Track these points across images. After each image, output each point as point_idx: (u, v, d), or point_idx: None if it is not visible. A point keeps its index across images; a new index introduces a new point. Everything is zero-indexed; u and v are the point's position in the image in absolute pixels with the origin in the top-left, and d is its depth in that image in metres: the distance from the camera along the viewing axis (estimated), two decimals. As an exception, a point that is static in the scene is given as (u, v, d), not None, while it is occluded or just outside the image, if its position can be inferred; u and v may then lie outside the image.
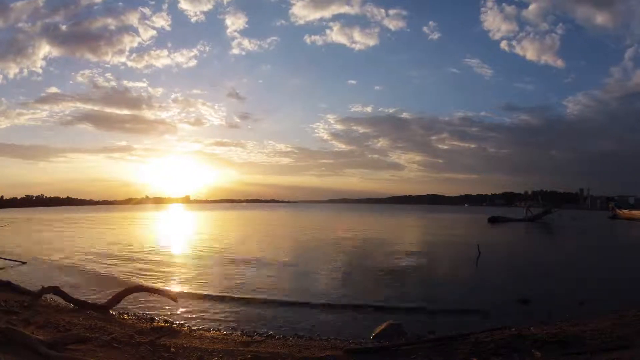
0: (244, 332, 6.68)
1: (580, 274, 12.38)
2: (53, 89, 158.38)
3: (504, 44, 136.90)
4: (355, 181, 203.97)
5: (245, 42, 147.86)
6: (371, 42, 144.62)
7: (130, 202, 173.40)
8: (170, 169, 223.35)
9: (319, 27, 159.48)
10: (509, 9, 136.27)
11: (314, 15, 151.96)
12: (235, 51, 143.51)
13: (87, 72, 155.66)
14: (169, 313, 7.70)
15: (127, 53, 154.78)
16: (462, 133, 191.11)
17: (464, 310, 8.15)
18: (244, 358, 5.14)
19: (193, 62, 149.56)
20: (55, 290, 7.85)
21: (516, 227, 35.58)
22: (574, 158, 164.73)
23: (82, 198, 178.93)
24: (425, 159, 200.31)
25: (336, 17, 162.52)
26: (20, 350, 4.46)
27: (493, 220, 40.46)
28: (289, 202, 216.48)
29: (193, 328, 6.74)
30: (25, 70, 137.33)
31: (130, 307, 7.93)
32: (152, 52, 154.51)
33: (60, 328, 5.92)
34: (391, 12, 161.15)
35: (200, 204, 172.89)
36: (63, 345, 4.86)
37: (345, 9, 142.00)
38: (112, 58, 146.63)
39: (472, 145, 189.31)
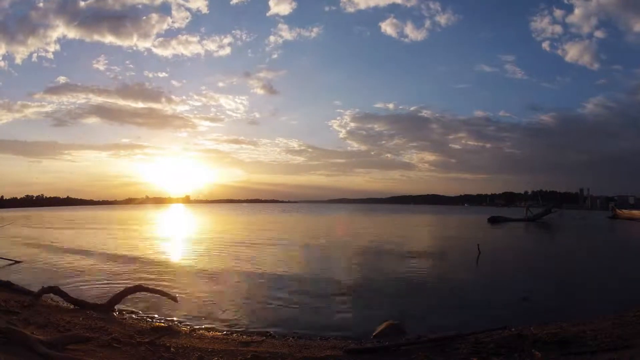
0: (244, 332, 6.68)
1: (581, 274, 12.38)
2: (65, 78, 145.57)
3: (546, 45, 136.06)
4: (360, 181, 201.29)
5: (285, 29, 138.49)
6: (420, 37, 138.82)
7: (131, 203, 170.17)
8: (178, 167, 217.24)
9: (372, 16, 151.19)
10: (558, 12, 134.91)
11: (367, 3, 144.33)
12: (273, 39, 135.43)
13: (103, 59, 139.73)
14: (169, 313, 7.70)
15: (153, 37, 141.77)
16: (479, 133, 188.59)
17: (464, 309, 8.15)
18: (244, 358, 5.14)
19: (225, 51, 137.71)
20: (55, 290, 7.86)
21: (516, 227, 35.57)
22: (587, 159, 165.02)
23: (82, 198, 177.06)
24: (438, 159, 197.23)
25: (391, 8, 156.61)
26: (20, 350, 4.46)
27: (493, 220, 40.47)
28: (289, 202, 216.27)
29: (193, 328, 6.74)
30: (35, 56, 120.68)
31: (130, 307, 7.93)
32: (181, 37, 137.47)
33: (60, 328, 5.92)
34: (447, 7, 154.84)
35: (200, 204, 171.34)
36: (63, 345, 4.86)
37: (401, 0, 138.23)
38: (136, 42, 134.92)
39: (488, 145, 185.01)
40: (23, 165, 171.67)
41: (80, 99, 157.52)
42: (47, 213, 69.04)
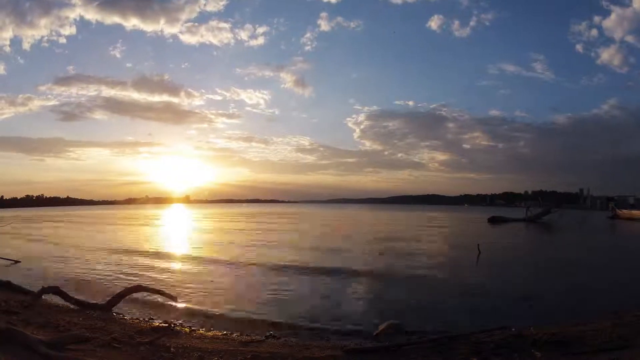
0: (244, 332, 6.67)
1: (580, 274, 12.36)
2: (76, 68, 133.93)
3: (579, 47, 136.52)
4: (365, 180, 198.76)
5: (325, 18, 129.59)
6: (464, 34, 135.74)
7: (133, 203, 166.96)
8: (185, 166, 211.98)
9: (419, 9, 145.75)
10: (597, 18, 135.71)
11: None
12: (309, 29, 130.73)
13: (121, 45, 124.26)
14: (169, 313, 7.70)
15: (182, 22, 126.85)
16: (493, 132, 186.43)
17: (464, 309, 8.15)
18: (244, 358, 5.14)
19: (257, 41, 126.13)
20: (56, 290, 7.87)
21: (516, 227, 35.56)
22: (593, 159, 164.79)
23: (83, 198, 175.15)
24: (449, 158, 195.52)
25: (441, 3, 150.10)
26: (20, 350, 4.46)
27: (493, 220, 40.44)
28: (288, 202, 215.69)
29: (193, 328, 6.74)
30: (46, 40, 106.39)
31: (130, 307, 7.93)
32: (212, 23, 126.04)
33: (60, 328, 5.93)
34: (496, 4, 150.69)
35: (200, 205, 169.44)
36: (63, 345, 4.86)
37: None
38: (162, 27, 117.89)
39: (500, 145, 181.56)
40: (25, 163, 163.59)
41: (91, 91, 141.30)
42: (48, 213, 69.02)
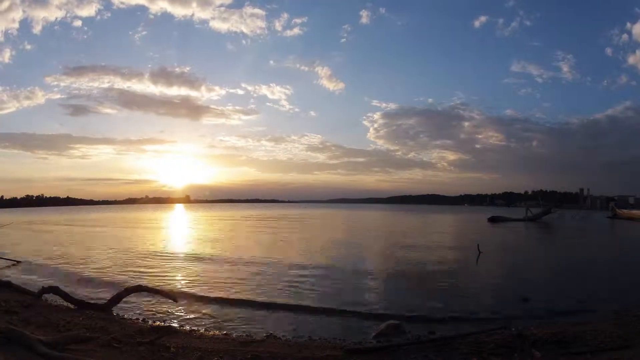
0: (244, 332, 6.67)
1: (580, 274, 12.36)
2: (89, 57, 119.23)
3: (609, 50, 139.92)
4: (369, 180, 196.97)
5: (369, 8, 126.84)
6: (506, 33, 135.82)
7: (134, 203, 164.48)
8: (191, 165, 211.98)
9: (468, 6, 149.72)
10: (629, 24, 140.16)
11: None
12: (348, 21, 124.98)
13: (142, 30, 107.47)
14: (169, 313, 7.70)
15: (214, 6, 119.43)
16: (506, 132, 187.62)
17: (464, 309, 8.14)
18: (244, 358, 5.14)
19: (292, 32, 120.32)
20: (56, 290, 7.87)
21: (516, 227, 35.56)
22: (598, 160, 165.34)
23: (82, 198, 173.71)
24: (458, 158, 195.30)
25: (490, 2, 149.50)
26: (20, 350, 4.46)
27: (493, 220, 40.47)
28: (289, 202, 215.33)
29: (193, 328, 6.74)
30: (59, 22, 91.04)
31: (130, 307, 7.92)
32: (247, 9, 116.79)
33: (60, 328, 5.93)
34: (539, 7, 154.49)
35: (199, 205, 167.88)
36: (63, 345, 4.86)
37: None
38: (194, 11, 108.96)
39: (512, 145, 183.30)
40: (28, 161, 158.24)
41: (104, 82, 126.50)
42: (36, 219, 68.78)
